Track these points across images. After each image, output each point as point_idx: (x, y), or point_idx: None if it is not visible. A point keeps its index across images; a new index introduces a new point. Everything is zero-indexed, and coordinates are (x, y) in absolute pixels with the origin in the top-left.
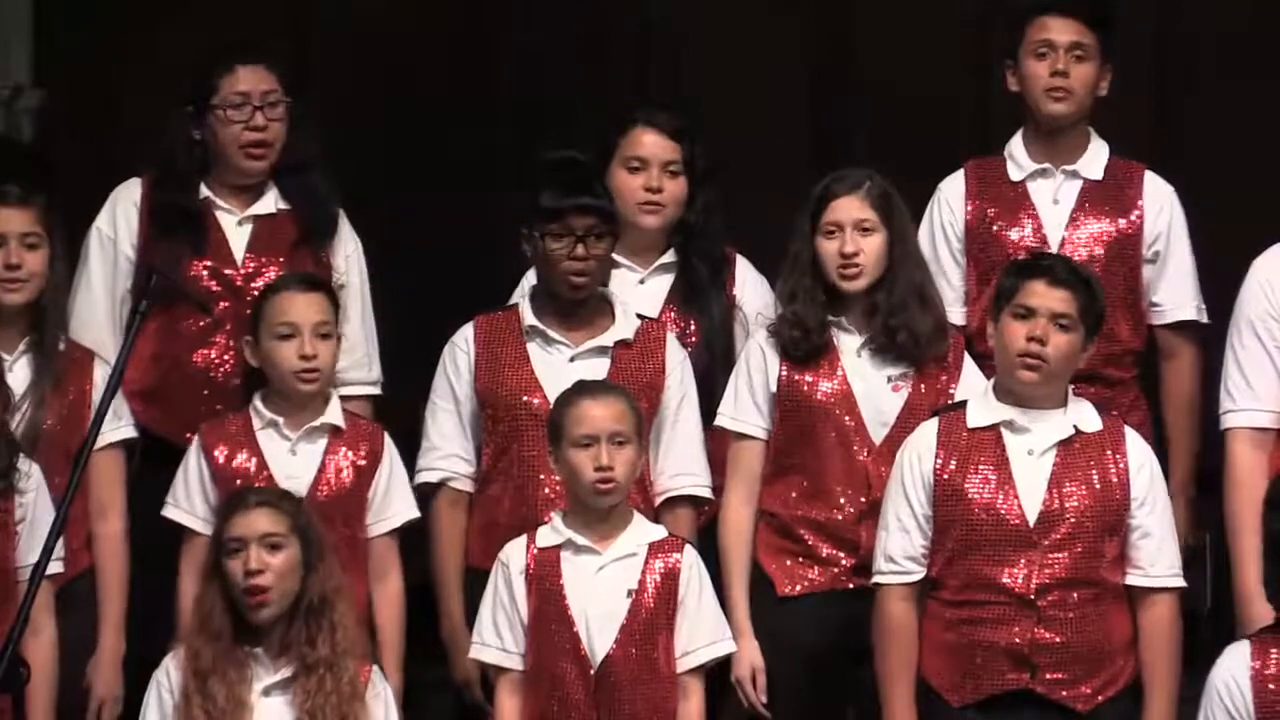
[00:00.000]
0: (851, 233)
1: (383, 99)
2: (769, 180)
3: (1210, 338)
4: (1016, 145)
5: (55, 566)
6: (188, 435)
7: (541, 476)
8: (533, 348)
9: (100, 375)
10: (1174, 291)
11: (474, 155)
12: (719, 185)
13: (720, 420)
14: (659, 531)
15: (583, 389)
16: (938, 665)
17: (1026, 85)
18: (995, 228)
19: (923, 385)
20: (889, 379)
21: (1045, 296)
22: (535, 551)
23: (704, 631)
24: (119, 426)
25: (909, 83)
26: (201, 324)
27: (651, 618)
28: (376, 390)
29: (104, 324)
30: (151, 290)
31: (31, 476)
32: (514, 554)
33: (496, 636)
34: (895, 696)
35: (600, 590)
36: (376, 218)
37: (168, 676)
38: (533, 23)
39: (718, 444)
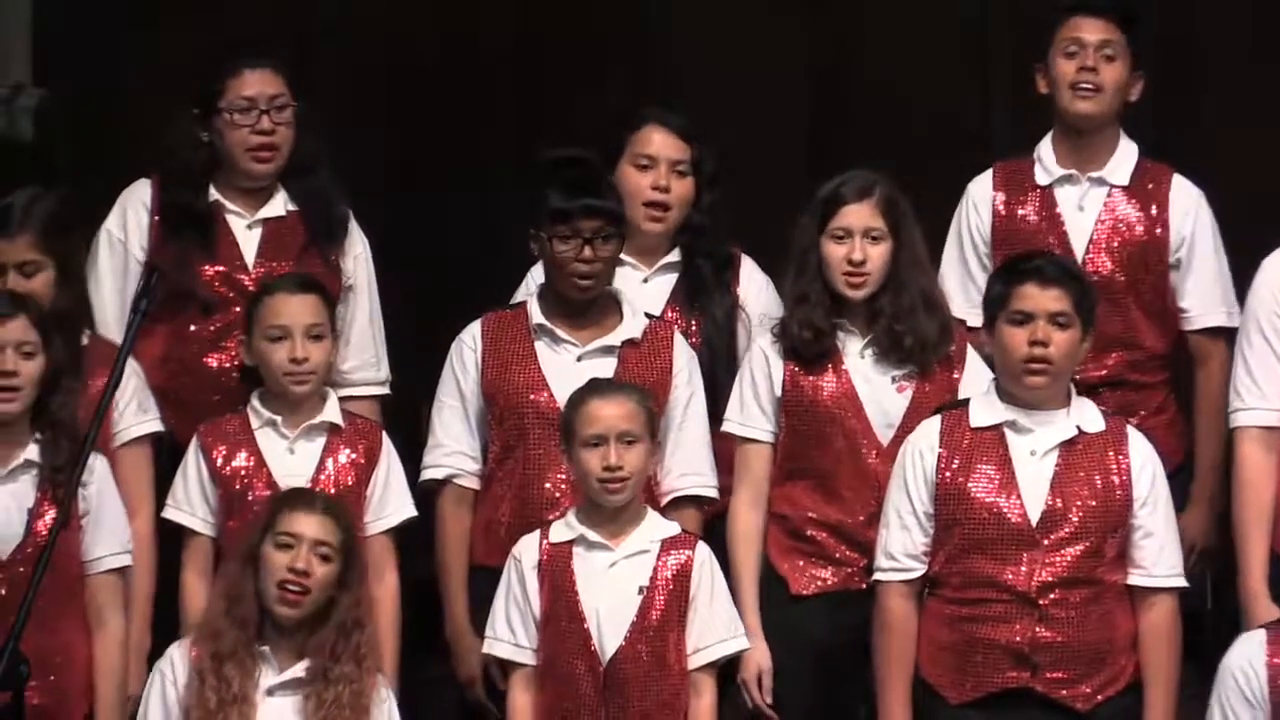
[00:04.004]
0: (860, 241)
1: (383, 99)
2: (768, 181)
3: None
4: (1045, 148)
5: (123, 560)
6: None
7: (546, 475)
8: (540, 346)
9: (126, 369)
10: (1202, 297)
11: (474, 155)
12: (725, 187)
13: (727, 425)
14: (672, 528)
15: (593, 388)
16: (937, 663)
17: (1055, 84)
18: (1022, 231)
19: (927, 385)
20: (893, 379)
21: (1039, 298)
22: (548, 547)
23: (717, 628)
24: (145, 420)
25: (908, 84)
26: (213, 328)
27: (663, 615)
28: (385, 390)
29: (113, 325)
30: (152, 289)
31: (95, 470)
32: (527, 549)
33: (509, 631)
34: (891, 694)
35: (612, 587)
36: (376, 218)
37: (171, 667)
38: (532, 22)
39: (723, 445)
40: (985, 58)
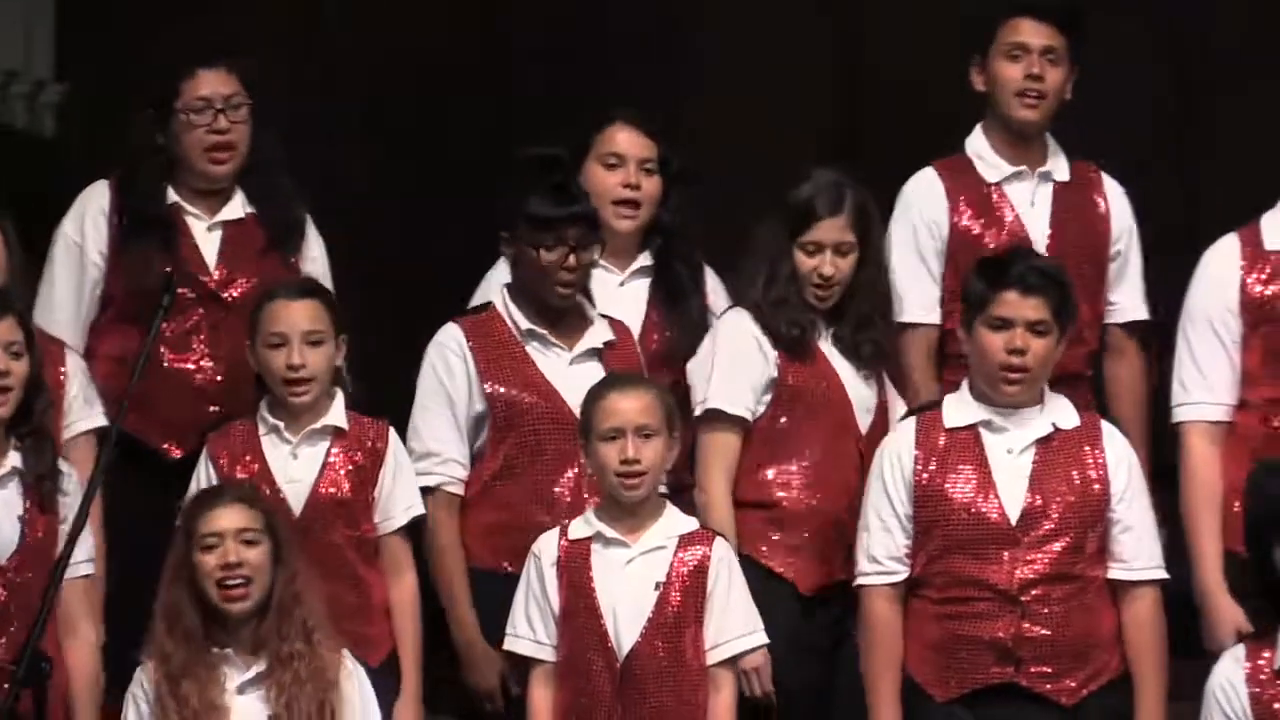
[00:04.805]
0: (831, 255)
1: (382, 98)
2: (775, 181)
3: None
4: (983, 146)
5: (87, 568)
6: (165, 444)
7: (555, 479)
8: (532, 350)
9: (72, 364)
10: (1131, 291)
11: (474, 155)
12: (690, 186)
13: (714, 402)
14: (689, 524)
15: (611, 382)
16: (923, 661)
17: (996, 87)
18: (974, 229)
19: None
20: (858, 370)
21: (1019, 306)
22: (566, 544)
23: (735, 624)
24: (92, 415)
25: (926, 81)
26: (174, 329)
27: (679, 610)
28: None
29: (63, 327)
30: (171, 291)
31: (72, 478)
32: (546, 546)
33: (529, 628)
34: (880, 695)
35: (628, 583)
36: (376, 217)
37: (142, 689)
38: (533, 23)
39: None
40: None
